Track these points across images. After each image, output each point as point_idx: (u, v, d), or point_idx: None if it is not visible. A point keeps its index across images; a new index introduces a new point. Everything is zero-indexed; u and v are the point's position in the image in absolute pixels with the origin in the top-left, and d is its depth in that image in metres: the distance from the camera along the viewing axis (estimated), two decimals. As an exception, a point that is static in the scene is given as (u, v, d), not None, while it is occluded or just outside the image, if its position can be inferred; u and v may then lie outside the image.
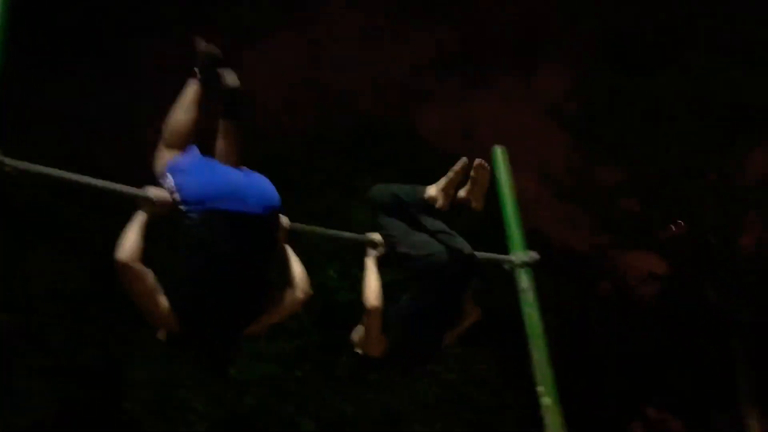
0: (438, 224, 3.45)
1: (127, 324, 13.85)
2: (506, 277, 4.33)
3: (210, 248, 2.57)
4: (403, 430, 12.33)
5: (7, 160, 2.51)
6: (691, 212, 12.55)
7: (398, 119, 16.37)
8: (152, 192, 2.76)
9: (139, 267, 2.56)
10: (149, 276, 2.58)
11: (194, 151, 2.85)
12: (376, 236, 3.57)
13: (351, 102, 15.99)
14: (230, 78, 2.86)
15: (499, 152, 4.44)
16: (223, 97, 2.88)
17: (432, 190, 3.50)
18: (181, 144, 2.84)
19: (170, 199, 2.76)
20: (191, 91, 2.94)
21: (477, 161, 3.45)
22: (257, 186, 2.75)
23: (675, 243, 13.35)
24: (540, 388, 3.72)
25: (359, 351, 3.49)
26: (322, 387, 12.14)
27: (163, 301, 2.59)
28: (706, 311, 14.24)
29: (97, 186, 2.76)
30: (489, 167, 3.55)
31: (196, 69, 2.99)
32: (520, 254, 4.06)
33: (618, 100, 12.68)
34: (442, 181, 3.50)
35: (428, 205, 3.48)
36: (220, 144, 2.85)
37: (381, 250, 3.55)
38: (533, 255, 4.07)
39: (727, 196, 12.34)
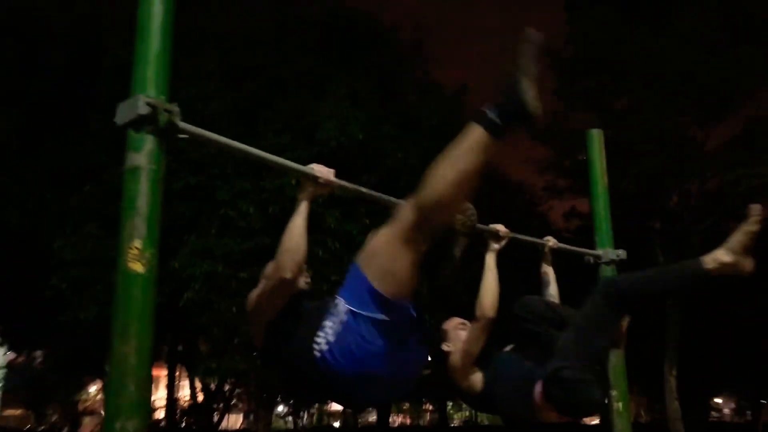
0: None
1: (55, 192, 12.89)
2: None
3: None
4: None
5: (183, 125, 2.02)
6: (650, 174, 12.91)
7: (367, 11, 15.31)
8: (318, 170, 2.35)
9: (293, 283, 2.19)
10: (281, 304, 2.22)
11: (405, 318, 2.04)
12: (502, 228, 3.24)
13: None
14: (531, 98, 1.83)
15: (595, 136, 4.18)
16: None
17: (723, 256, 2.52)
18: (435, 225, 1.94)
19: (333, 180, 2.38)
20: (478, 141, 1.83)
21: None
22: (406, 380, 2.20)
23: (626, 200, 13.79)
24: (614, 393, 3.71)
25: (451, 374, 2.88)
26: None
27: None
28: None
29: (264, 159, 2.33)
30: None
31: (489, 109, 1.83)
32: (608, 251, 3.89)
33: (611, 51, 12.49)
34: (735, 242, 2.53)
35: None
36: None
37: (503, 243, 3.24)
38: (621, 253, 3.92)
39: (687, 163, 12.75)
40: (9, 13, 12.08)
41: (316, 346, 2.05)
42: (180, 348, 17.46)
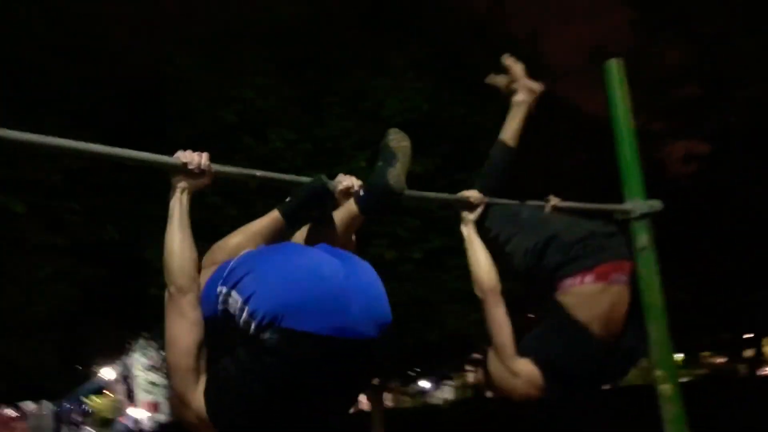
0: None
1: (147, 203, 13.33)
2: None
3: (287, 380, 1.70)
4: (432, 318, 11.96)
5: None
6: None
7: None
8: (185, 157, 1.97)
9: (191, 300, 1.86)
10: (198, 322, 1.85)
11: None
12: (474, 194, 2.77)
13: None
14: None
15: (614, 67, 3.49)
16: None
17: None
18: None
19: (208, 164, 1.97)
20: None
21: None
22: (361, 289, 1.78)
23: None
24: (658, 373, 3.07)
25: (490, 393, 2.67)
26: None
27: (199, 379, 1.81)
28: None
29: (115, 155, 1.99)
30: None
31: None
32: (638, 203, 3.24)
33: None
34: None
35: None
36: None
37: (479, 211, 2.78)
38: (654, 204, 3.25)
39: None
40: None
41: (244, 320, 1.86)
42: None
